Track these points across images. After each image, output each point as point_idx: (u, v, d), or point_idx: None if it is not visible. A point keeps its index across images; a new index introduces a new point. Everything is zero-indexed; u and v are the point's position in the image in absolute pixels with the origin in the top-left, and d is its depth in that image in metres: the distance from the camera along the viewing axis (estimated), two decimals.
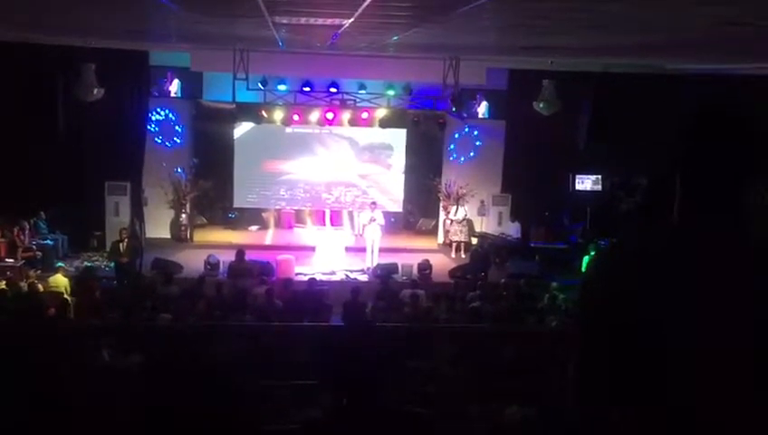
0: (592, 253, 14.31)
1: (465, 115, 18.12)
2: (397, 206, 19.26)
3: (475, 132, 18.72)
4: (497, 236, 17.76)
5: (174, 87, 17.78)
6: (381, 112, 17.64)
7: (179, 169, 17.85)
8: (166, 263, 14.85)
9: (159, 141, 17.88)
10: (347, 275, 15.32)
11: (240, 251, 14.21)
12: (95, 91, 15.13)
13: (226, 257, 14.67)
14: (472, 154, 18.79)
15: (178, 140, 18.08)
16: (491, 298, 12.17)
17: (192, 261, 15.44)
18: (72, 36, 13.53)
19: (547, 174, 17.41)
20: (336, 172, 19.04)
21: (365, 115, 17.65)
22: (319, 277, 14.17)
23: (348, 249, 16.70)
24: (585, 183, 17.73)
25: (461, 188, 18.27)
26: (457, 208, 17.55)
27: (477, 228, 18.42)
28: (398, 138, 18.87)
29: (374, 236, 16.01)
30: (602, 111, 17.15)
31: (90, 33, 12.67)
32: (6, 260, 14.54)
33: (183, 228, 17.95)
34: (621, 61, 15.29)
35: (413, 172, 19.04)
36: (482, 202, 18.48)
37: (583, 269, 14.31)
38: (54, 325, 9.66)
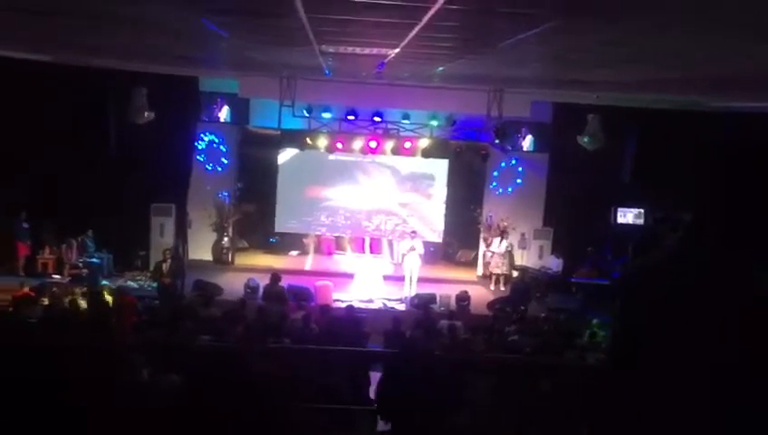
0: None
1: (508, 147, 18.16)
2: (436, 236, 19.30)
3: (518, 165, 18.72)
4: (538, 270, 17.64)
5: (223, 113, 18.11)
6: (424, 142, 17.74)
7: (224, 193, 18.17)
8: (207, 284, 15.01)
9: (206, 165, 18.26)
10: (384, 304, 15.32)
11: (275, 275, 14.30)
12: (146, 114, 15.49)
13: (267, 282, 14.76)
14: (514, 187, 18.78)
15: (224, 163, 18.42)
16: (530, 332, 12.00)
17: (232, 284, 15.61)
18: (126, 61, 13.91)
19: (589, 208, 17.29)
20: (377, 200, 19.19)
21: (408, 145, 17.77)
22: (357, 305, 14.20)
23: (386, 278, 16.75)
24: (627, 216, 17.51)
25: (502, 220, 18.24)
26: (501, 241, 17.53)
27: (518, 261, 18.32)
28: (440, 168, 18.97)
29: (413, 266, 16.01)
30: (647, 146, 16.99)
31: (142, 58, 13.01)
32: (53, 276, 14.87)
33: (225, 251, 18.18)
34: (665, 97, 15.13)
35: (454, 203, 19.10)
36: (523, 235, 18.40)
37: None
38: (95, 341, 9.79)
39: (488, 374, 9.41)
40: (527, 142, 18.46)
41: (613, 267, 17.22)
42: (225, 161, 18.42)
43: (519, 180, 18.73)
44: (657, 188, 16.27)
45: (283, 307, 12.76)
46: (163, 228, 17.16)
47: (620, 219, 17.48)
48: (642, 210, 17.39)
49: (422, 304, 14.55)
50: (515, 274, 17.72)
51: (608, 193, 17.44)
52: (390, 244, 19.54)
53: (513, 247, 18.16)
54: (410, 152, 18.07)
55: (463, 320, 12.83)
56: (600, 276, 16.95)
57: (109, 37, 9.54)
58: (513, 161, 18.67)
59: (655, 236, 16.82)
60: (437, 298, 15.29)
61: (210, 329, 10.62)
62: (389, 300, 15.60)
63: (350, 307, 12.95)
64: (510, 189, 18.78)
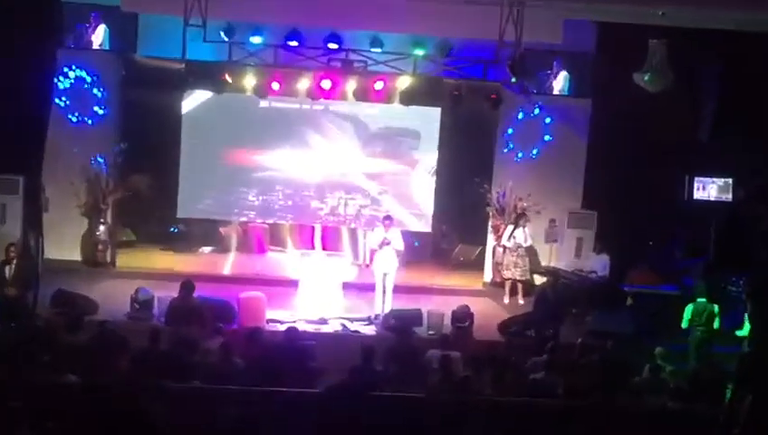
0: (701, 299, 14.30)
1: (531, 90, 18.19)
2: (423, 223, 19.34)
3: (545, 115, 18.76)
4: (574, 274, 17.73)
5: (98, 36, 17.96)
6: (404, 82, 17.60)
7: (98, 159, 18.01)
8: (73, 298, 14.83)
9: (70, 116, 18.07)
10: (345, 326, 15.31)
11: (186, 284, 14.14)
12: None
13: (164, 293, 14.68)
14: (539, 148, 18.85)
15: (100, 114, 18.26)
16: (562, 367, 12.02)
17: (113, 296, 15.53)
18: None
19: (651, 180, 17.48)
20: (333, 170, 19.14)
21: (380, 85, 17.61)
22: (302, 327, 14.18)
23: (347, 286, 16.70)
24: (708, 190, 17.67)
25: (520, 199, 18.30)
26: (514, 230, 17.57)
27: (544, 261, 18.44)
28: (427, 121, 18.93)
29: (387, 268, 15.99)
30: (735, 88, 17.09)
31: None
32: None
33: (101, 247, 18.06)
34: (764, 15, 15.23)
35: (449, 173, 19.09)
36: (551, 222, 18.52)
37: (685, 324, 14.35)
38: None
39: (499, 429, 9.50)
40: (559, 82, 18.55)
41: (686, 269, 17.39)
42: (101, 111, 18.25)
43: (547, 138, 18.81)
44: (749, 149, 16.40)
45: (192, 331, 12.71)
46: (5, 212, 17.03)
47: (697, 194, 17.56)
48: (730, 181, 17.48)
49: (401, 326, 14.55)
50: (540, 280, 17.74)
51: (679, 157, 17.58)
52: (353, 236, 19.54)
53: (539, 240, 18.26)
54: (383, 97, 17.94)
55: (462, 349, 12.78)
56: (666, 283, 17.10)
57: None
58: (538, 110, 18.72)
59: (746, 217, 16.96)
60: (424, 317, 15.27)
61: (77, 364, 10.57)
62: (352, 320, 15.56)
63: (292, 331, 12.85)
64: (534, 152, 18.87)
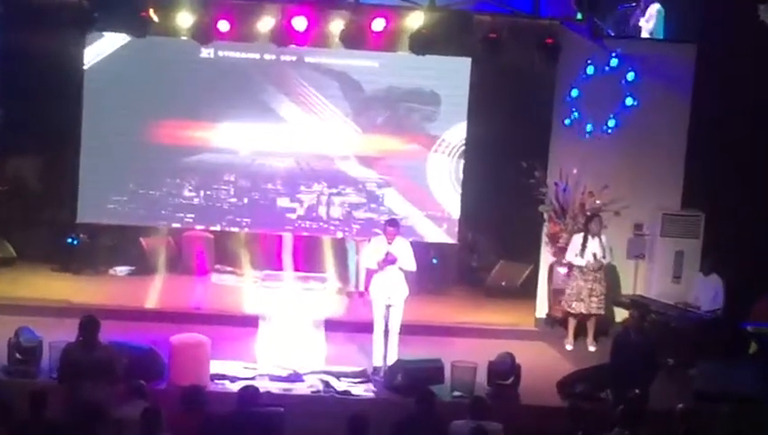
0: None
1: (606, 30, 18.26)
2: (446, 231, 19.53)
3: (626, 68, 18.75)
4: (671, 307, 17.69)
5: None
6: (416, 20, 17.59)
7: None
8: None
9: None
10: (327, 385, 15.26)
11: (87, 322, 14.04)
12: None
13: (59, 335, 14.57)
14: (617, 118, 18.85)
15: None
16: None
17: None
18: None
19: None
20: (310, 151, 19.32)
21: (380, 25, 17.64)
22: (264, 387, 14.14)
23: (332, 325, 16.65)
24: None
25: (591, 193, 18.40)
26: (586, 240, 17.49)
27: (626, 287, 18.53)
28: (451, 79, 19.10)
29: (392, 298, 15.88)
30: None
31: None
32: None
33: None
34: None
35: (483, 156, 19.25)
36: (638, 228, 18.63)
37: None
38: None
39: None
40: (650, 20, 18.50)
41: None
42: None
43: (630, 103, 18.80)
44: None
45: (104, 391, 12.57)
46: None
47: None
48: None
49: (412, 385, 14.38)
50: (621, 315, 17.71)
51: None
52: (341, 250, 19.62)
53: (619, 254, 18.28)
54: (385, 43, 18.01)
55: (504, 419, 12.68)
56: None
57: None
58: (616, 62, 18.72)
59: None
60: (447, 371, 15.21)
61: None
62: (339, 376, 15.52)
63: (250, 392, 12.74)
64: (610, 125, 18.88)
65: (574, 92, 18.84)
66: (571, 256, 17.63)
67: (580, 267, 17.53)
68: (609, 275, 17.98)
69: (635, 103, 18.72)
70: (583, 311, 17.49)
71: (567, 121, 18.91)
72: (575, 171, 18.58)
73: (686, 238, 18.51)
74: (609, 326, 17.42)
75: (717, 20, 17.89)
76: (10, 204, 18.59)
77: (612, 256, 17.83)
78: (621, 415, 12.73)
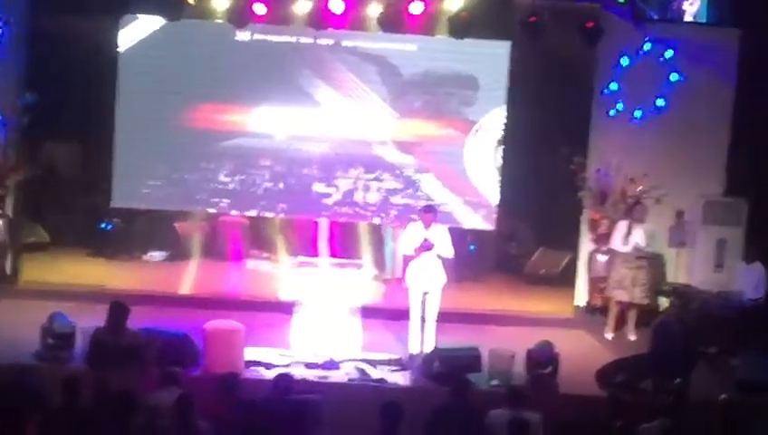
0: None
1: (649, 14, 18.11)
2: (484, 217, 19.46)
3: (671, 55, 18.53)
4: (713, 295, 17.60)
5: None
6: (453, 3, 17.57)
7: None
8: None
9: None
10: (363, 372, 15.24)
11: (117, 307, 14.02)
12: None
13: (93, 321, 14.45)
14: (660, 104, 18.63)
15: None
16: None
17: (14, 325, 15.48)
18: None
19: None
20: (347, 136, 19.30)
21: (418, 8, 17.59)
22: (300, 374, 14.19)
23: (368, 312, 16.58)
24: None
25: (632, 180, 18.27)
26: (630, 228, 17.39)
27: (668, 276, 18.41)
28: (490, 63, 19.05)
29: (429, 285, 15.89)
30: None
31: None
32: None
33: None
34: None
35: (523, 142, 19.23)
36: (680, 215, 18.50)
37: None
38: None
39: None
40: (694, 2, 18.27)
41: None
42: None
43: (673, 86, 18.57)
44: None
45: (133, 378, 12.51)
46: None
47: None
48: None
49: (449, 373, 14.37)
50: (663, 303, 17.63)
51: None
52: (377, 236, 19.62)
53: (661, 242, 18.20)
54: (424, 26, 17.97)
55: (542, 409, 12.57)
56: None
57: None
58: (657, 46, 18.46)
59: None
60: (485, 359, 15.16)
61: None
62: (375, 363, 15.48)
63: (285, 379, 12.71)
64: (659, 104, 18.65)
65: (614, 84, 18.67)
66: (616, 243, 17.56)
67: (623, 255, 17.45)
68: (654, 264, 17.87)
69: (680, 78, 18.52)
70: (626, 299, 17.41)
71: (608, 107, 18.71)
72: (616, 158, 18.43)
73: (728, 226, 18.38)
74: (651, 316, 17.25)
75: (762, 4, 17.73)
76: (44, 189, 18.60)
77: (656, 244, 17.81)
78: (663, 405, 12.66)
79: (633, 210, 17.54)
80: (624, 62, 18.55)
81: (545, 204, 19.36)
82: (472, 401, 12.72)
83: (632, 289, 17.31)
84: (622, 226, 17.46)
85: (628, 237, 17.29)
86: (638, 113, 18.65)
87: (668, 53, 18.44)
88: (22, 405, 11.64)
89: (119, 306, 13.77)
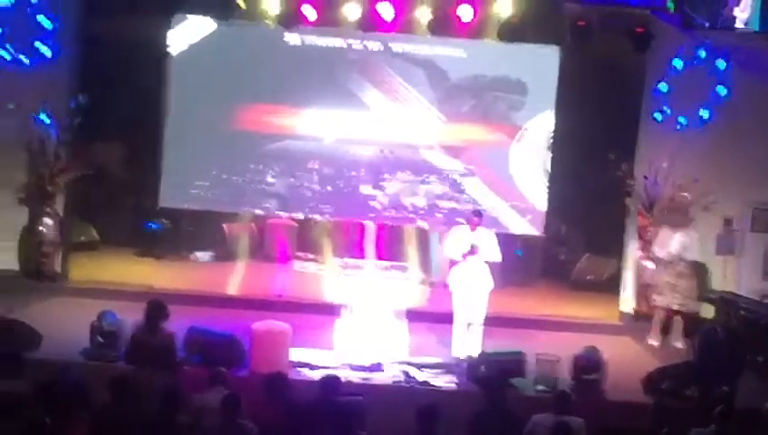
0: None
1: (700, 21, 18.06)
2: (531, 222, 19.55)
3: (722, 63, 18.48)
4: (761, 304, 17.47)
5: None
6: (504, 8, 17.64)
7: (45, 118, 18.08)
8: (6, 326, 14.88)
9: (2, 52, 18.08)
10: (408, 375, 15.30)
11: (152, 306, 14.09)
12: None
13: (138, 318, 14.64)
14: (710, 112, 18.57)
15: (47, 52, 18.20)
16: None
17: (64, 323, 15.57)
18: None
19: None
20: (395, 140, 19.37)
21: (467, 13, 17.69)
22: (345, 376, 14.16)
23: (414, 315, 16.67)
24: None
25: (681, 187, 18.17)
26: (675, 234, 17.35)
27: (715, 283, 18.29)
28: (539, 68, 19.10)
29: (475, 290, 15.93)
30: None
31: None
32: None
33: (47, 250, 18.15)
34: None
35: (571, 147, 19.22)
36: (727, 223, 18.43)
37: None
38: None
39: None
40: (745, 9, 18.24)
41: None
42: (49, 48, 18.19)
43: (723, 95, 18.50)
44: None
45: (173, 379, 12.65)
46: None
47: None
48: None
49: (495, 378, 14.35)
50: (709, 311, 17.60)
51: None
52: (424, 240, 19.63)
53: (708, 250, 18.12)
54: (473, 31, 18.06)
55: (588, 415, 12.58)
56: None
57: None
58: (709, 54, 18.42)
59: None
60: (530, 364, 15.18)
61: (6, 432, 10.50)
62: (421, 367, 15.54)
63: (331, 381, 12.78)
64: (703, 116, 18.57)
65: (665, 84, 18.58)
66: (657, 249, 17.57)
67: (665, 262, 17.43)
68: (700, 271, 17.83)
69: (728, 97, 18.42)
70: (664, 305, 17.39)
71: (657, 113, 18.64)
72: (664, 165, 18.34)
73: None
74: (698, 323, 17.22)
75: None
76: (94, 189, 18.70)
77: (700, 251, 17.73)
78: (711, 413, 12.68)
79: (674, 217, 17.56)
80: (677, 63, 18.47)
81: (591, 210, 19.35)
82: (511, 406, 12.82)
83: (671, 295, 17.29)
84: (664, 232, 17.46)
85: (667, 243, 17.32)
86: (682, 119, 18.57)
87: (721, 64, 18.38)
88: (66, 402, 11.77)
89: (154, 306, 13.76)
